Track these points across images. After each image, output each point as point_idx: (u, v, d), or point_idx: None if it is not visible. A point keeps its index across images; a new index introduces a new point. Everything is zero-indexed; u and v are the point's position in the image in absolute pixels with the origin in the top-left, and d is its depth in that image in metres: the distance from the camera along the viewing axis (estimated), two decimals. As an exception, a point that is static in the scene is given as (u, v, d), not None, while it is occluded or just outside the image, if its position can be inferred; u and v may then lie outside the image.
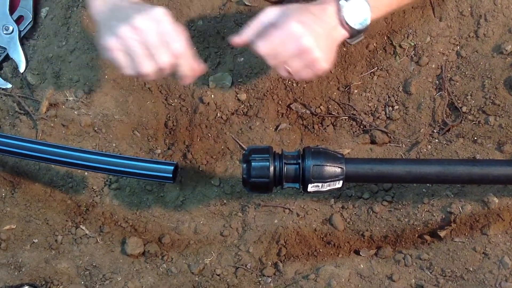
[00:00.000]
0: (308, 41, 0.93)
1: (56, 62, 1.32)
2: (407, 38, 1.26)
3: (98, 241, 1.21)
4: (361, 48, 1.27)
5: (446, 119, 1.24)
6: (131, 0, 1.01)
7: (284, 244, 1.19)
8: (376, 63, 1.28)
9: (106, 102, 1.29)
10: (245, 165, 0.96)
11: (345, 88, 1.29)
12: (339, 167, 0.95)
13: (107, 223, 1.24)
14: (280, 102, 1.30)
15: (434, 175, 0.98)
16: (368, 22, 0.98)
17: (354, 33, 0.99)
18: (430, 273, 1.08)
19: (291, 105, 1.30)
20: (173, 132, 1.32)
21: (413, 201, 1.18)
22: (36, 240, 1.17)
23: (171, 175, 1.06)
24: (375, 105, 1.30)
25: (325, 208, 1.24)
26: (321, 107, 1.29)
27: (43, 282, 1.09)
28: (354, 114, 1.29)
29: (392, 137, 1.28)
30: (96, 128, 1.28)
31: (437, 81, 1.25)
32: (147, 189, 1.29)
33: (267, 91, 1.30)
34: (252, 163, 0.95)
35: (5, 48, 1.38)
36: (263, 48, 0.96)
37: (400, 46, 1.26)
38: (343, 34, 0.98)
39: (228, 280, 1.14)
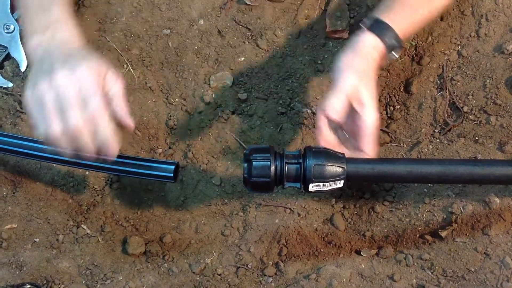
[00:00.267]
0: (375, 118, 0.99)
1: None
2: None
3: (99, 240, 1.21)
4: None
5: (447, 119, 1.24)
6: (70, 46, 0.95)
7: (285, 243, 1.19)
8: (377, 63, 1.27)
9: (107, 102, 1.29)
10: (246, 165, 0.96)
11: (346, 88, 1.29)
12: (340, 166, 0.95)
13: (108, 222, 1.24)
14: (281, 102, 1.30)
15: (435, 175, 0.98)
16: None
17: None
18: (431, 273, 1.08)
19: (292, 105, 1.30)
20: (174, 132, 1.32)
21: (414, 201, 1.18)
22: (37, 239, 1.17)
23: (172, 175, 1.06)
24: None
25: (326, 208, 1.24)
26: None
27: (44, 282, 1.09)
28: (355, 114, 1.29)
29: (393, 137, 1.28)
30: (97, 128, 1.28)
31: (438, 81, 1.25)
32: (148, 188, 1.29)
33: (268, 90, 1.30)
34: (253, 163, 0.95)
35: (6, 47, 1.38)
36: (374, 150, 1.00)
37: (401, 45, 1.26)
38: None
39: (229, 280, 1.14)
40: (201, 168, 1.29)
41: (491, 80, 1.20)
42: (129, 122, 0.94)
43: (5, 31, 1.38)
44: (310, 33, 1.30)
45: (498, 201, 1.11)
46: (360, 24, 1.05)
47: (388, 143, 1.28)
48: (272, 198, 1.24)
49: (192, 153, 1.30)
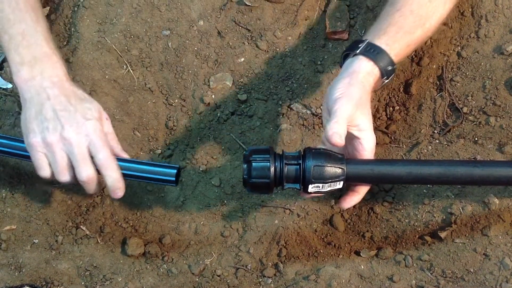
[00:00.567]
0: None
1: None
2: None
3: (99, 241, 1.21)
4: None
5: (447, 119, 1.24)
6: (64, 85, 1.01)
7: (285, 244, 1.19)
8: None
9: (107, 102, 1.29)
10: (245, 166, 0.96)
11: (346, 89, 1.29)
12: (339, 167, 0.95)
13: (108, 223, 1.24)
14: (281, 103, 1.30)
15: (434, 176, 0.98)
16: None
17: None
18: (431, 274, 1.08)
19: (291, 106, 1.30)
20: (173, 133, 1.32)
21: (413, 202, 1.18)
22: (36, 241, 1.17)
23: (174, 179, 1.06)
24: (376, 106, 1.30)
25: (326, 209, 1.24)
26: (322, 107, 1.29)
27: (44, 283, 1.09)
28: (355, 115, 1.29)
29: (392, 138, 1.28)
30: (96, 129, 1.28)
31: (437, 82, 1.25)
32: (148, 189, 1.29)
33: (268, 91, 1.30)
34: (253, 164, 0.95)
35: (5, 48, 1.38)
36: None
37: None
38: None
39: (228, 281, 1.14)
40: (201, 169, 1.29)
41: (491, 81, 1.20)
42: (125, 155, 1.07)
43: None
44: (310, 34, 1.30)
45: (497, 202, 1.11)
46: (354, 49, 1.02)
47: (387, 144, 1.28)
48: (271, 199, 1.24)
49: (192, 154, 1.30)
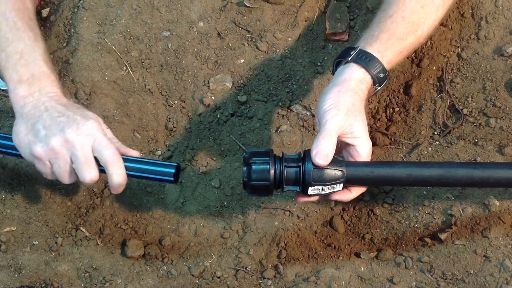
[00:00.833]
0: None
1: (57, 64, 1.32)
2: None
3: (98, 243, 1.21)
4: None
5: (447, 121, 1.24)
6: (61, 101, 1.01)
7: (285, 246, 1.19)
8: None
9: (107, 104, 1.29)
10: (245, 168, 0.96)
11: (346, 90, 1.29)
12: (339, 170, 0.95)
13: (107, 225, 1.24)
14: (281, 104, 1.30)
15: (434, 177, 0.98)
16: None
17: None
18: (431, 276, 1.08)
19: (291, 107, 1.30)
20: (173, 134, 1.32)
21: (413, 204, 1.18)
22: (36, 242, 1.17)
23: (172, 178, 1.05)
24: (376, 107, 1.30)
25: (326, 210, 1.24)
26: (315, 114, 1.29)
27: (43, 285, 1.09)
28: (355, 116, 1.28)
29: (392, 139, 1.28)
30: (96, 130, 1.28)
31: (438, 83, 1.25)
32: (147, 191, 1.29)
33: (268, 92, 1.30)
34: (253, 166, 0.95)
35: (5, 49, 1.38)
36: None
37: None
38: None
39: (228, 283, 1.13)
40: (200, 171, 1.29)
41: (491, 82, 1.20)
42: (133, 153, 1.05)
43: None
44: (310, 35, 1.30)
45: (497, 204, 1.11)
46: (345, 57, 1.02)
47: (387, 145, 1.28)
48: (271, 201, 1.23)
49: (191, 155, 1.30)
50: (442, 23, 1.24)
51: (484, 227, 1.11)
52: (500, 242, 1.08)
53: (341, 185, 0.96)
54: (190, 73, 1.30)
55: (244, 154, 0.99)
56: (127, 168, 1.02)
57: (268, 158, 0.95)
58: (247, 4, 1.27)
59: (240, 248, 1.19)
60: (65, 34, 1.33)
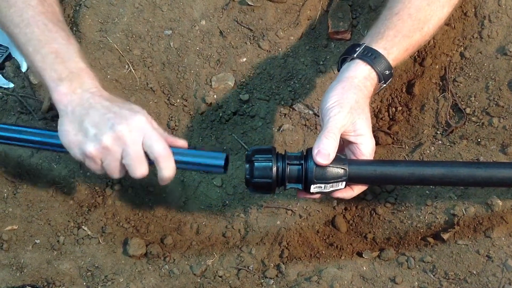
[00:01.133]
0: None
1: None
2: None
3: (100, 242, 1.20)
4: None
5: (450, 120, 1.23)
6: (104, 95, 0.98)
7: (287, 245, 1.19)
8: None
9: (109, 102, 1.29)
10: (247, 166, 0.96)
11: (348, 89, 1.28)
12: (342, 168, 0.95)
13: (109, 224, 1.24)
14: (283, 103, 1.30)
15: (437, 177, 0.98)
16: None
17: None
18: (433, 275, 1.07)
19: (293, 106, 1.29)
20: (175, 133, 1.32)
21: (416, 203, 1.17)
22: (38, 241, 1.17)
23: (222, 170, 1.00)
24: (378, 106, 1.30)
25: (328, 210, 1.23)
26: (319, 111, 1.29)
27: (45, 283, 1.09)
28: (357, 115, 1.28)
29: (395, 138, 1.28)
30: (98, 128, 1.28)
31: (440, 82, 1.25)
32: (149, 189, 1.29)
33: (270, 91, 1.30)
34: (255, 164, 0.95)
35: (7, 48, 1.38)
36: None
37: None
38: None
39: (230, 282, 1.13)
40: (203, 169, 1.29)
41: (494, 81, 1.20)
42: (181, 142, 1.01)
43: (6, 31, 1.38)
44: (312, 34, 1.30)
45: (500, 204, 1.10)
46: (351, 53, 1.01)
47: (390, 144, 1.28)
48: (273, 200, 1.23)
49: (194, 154, 1.30)
50: (445, 22, 1.24)
51: (486, 227, 1.10)
52: (503, 242, 1.08)
53: (344, 183, 0.95)
54: (192, 71, 1.30)
55: (247, 151, 0.99)
56: (176, 161, 1.00)
57: (271, 156, 0.95)
58: (249, 3, 1.27)
59: (242, 247, 1.19)
60: (67, 33, 1.33)
